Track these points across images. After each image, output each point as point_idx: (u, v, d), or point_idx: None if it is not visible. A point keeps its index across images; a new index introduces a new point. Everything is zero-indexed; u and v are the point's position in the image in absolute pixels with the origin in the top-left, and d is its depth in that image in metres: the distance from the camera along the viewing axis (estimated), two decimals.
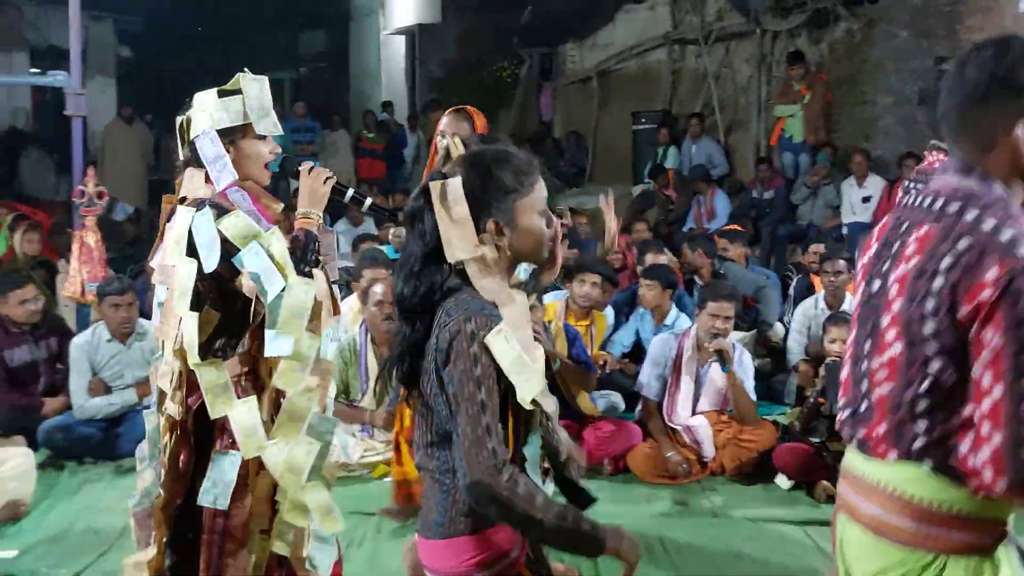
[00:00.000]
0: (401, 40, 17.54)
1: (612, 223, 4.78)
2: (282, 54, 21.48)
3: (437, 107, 15.26)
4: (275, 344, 2.45)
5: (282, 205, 2.82)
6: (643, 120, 12.04)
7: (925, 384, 1.71)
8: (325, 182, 2.74)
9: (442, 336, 1.80)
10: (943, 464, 1.71)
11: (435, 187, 1.85)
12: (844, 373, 1.94)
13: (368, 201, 2.88)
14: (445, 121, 3.83)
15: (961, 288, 1.63)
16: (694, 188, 10.21)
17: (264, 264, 2.42)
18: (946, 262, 1.65)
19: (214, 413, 2.48)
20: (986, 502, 1.69)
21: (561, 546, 1.85)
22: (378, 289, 5.11)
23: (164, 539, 2.56)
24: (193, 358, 2.45)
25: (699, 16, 11.76)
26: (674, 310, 6.13)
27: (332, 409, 2.81)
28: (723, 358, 4.82)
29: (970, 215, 1.67)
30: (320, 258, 2.66)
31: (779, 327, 7.02)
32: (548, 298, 5.88)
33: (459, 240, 1.84)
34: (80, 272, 6.27)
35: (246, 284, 2.49)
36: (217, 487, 2.50)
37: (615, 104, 13.21)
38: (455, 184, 1.85)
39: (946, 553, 1.73)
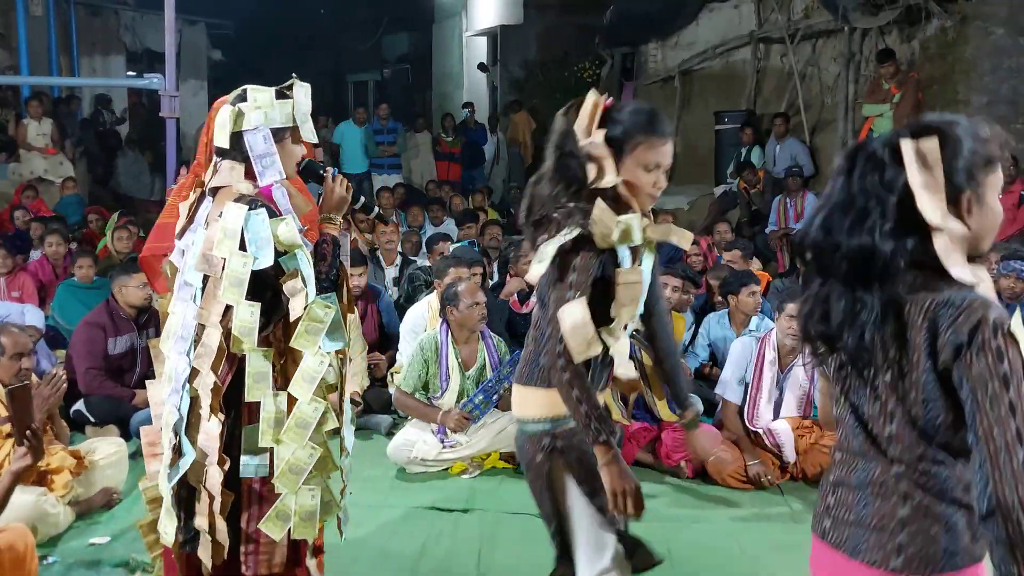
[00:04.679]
0: (483, 41, 17.64)
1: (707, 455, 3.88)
2: (367, 57, 21.83)
3: (518, 108, 15.37)
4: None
5: (312, 204, 3.00)
6: (726, 120, 11.89)
7: None
8: (346, 189, 2.91)
9: (958, 322, 1.55)
10: None
11: (908, 145, 1.62)
12: None
13: (376, 210, 3.14)
14: None
15: None
16: (786, 188, 10.01)
17: (309, 270, 2.66)
18: None
19: (250, 397, 2.69)
20: None
21: None
22: (463, 288, 5.12)
23: (227, 509, 2.71)
24: (251, 343, 2.65)
25: (785, 14, 11.55)
26: (756, 315, 5.99)
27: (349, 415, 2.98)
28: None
29: None
30: (342, 260, 2.86)
31: None
32: None
33: (935, 206, 1.61)
34: None
35: (290, 283, 2.65)
36: (255, 459, 2.74)
37: (697, 104, 13.05)
38: (933, 146, 1.61)
39: None
